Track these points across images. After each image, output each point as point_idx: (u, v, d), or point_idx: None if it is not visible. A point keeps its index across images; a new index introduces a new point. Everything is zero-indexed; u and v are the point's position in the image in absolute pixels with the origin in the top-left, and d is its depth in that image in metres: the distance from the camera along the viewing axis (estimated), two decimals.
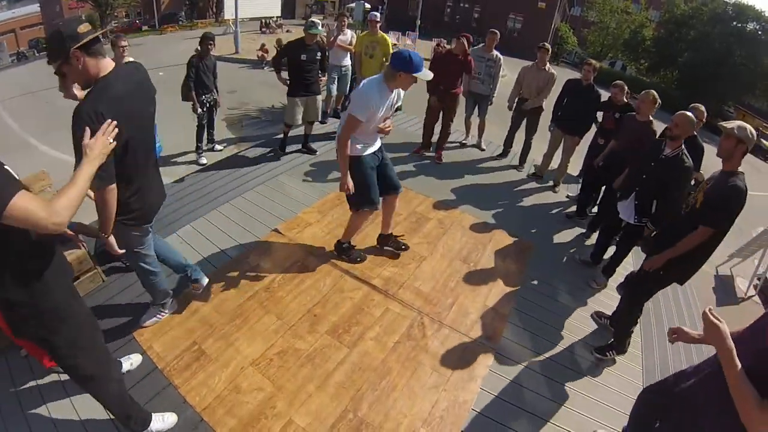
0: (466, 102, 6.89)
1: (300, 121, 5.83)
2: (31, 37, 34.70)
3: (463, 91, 6.69)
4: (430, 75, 3.25)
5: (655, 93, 4.45)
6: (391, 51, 6.58)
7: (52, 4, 36.99)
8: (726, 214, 2.74)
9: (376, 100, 3.25)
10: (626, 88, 5.22)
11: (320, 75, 5.89)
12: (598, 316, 3.94)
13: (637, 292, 3.41)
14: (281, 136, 6.13)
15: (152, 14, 39.22)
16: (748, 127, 2.64)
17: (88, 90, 2.11)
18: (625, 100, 5.24)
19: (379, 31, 6.56)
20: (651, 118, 4.51)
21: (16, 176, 1.61)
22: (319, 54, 5.61)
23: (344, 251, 4.05)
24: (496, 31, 6.53)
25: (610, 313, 3.88)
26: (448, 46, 6.03)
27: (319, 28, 5.44)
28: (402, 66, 3.14)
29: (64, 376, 2.65)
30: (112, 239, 2.43)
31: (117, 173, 2.18)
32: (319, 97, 5.87)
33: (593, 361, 3.49)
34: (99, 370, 2.08)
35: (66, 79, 2.15)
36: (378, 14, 6.70)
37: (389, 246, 4.25)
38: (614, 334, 3.57)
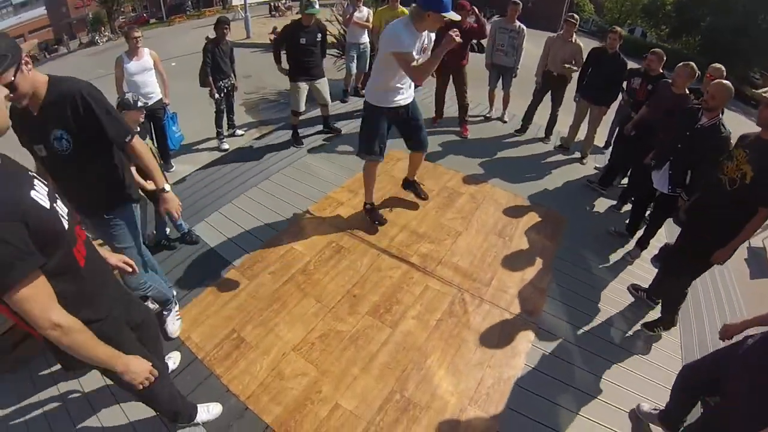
0: (489, 74, 6.70)
1: (303, 108, 5.61)
2: (40, 41, 34.93)
3: (486, 63, 6.53)
4: (457, 16, 3.20)
5: (693, 65, 4.19)
6: None
7: (58, 5, 37.14)
8: None
9: (406, 37, 3.17)
10: (665, 56, 4.84)
11: (323, 57, 5.57)
12: (634, 289, 3.84)
13: (684, 271, 3.27)
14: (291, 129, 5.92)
15: (159, 6, 39.18)
16: None
17: None
18: (660, 70, 4.88)
19: (399, 5, 6.34)
20: (687, 91, 4.27)
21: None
22: (319, 36, 5.32)
23: (367, 212, 4.17)
24: (519, 1, 6.26)
25: (645, 286, 3.77)
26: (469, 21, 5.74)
27: (317, 7, 5.14)
28: (430, 4, 3.05)
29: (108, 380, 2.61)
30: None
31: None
32: (324, 80, 5.63)
33: (634, 334, 3.41)
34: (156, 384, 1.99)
35: None
36: None
37: (410, 190, 4.52)
38: (662, 310, 3.46)
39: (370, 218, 4.14)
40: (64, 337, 1.37)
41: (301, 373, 2.78)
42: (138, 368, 1.67)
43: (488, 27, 5.91)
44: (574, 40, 5.80)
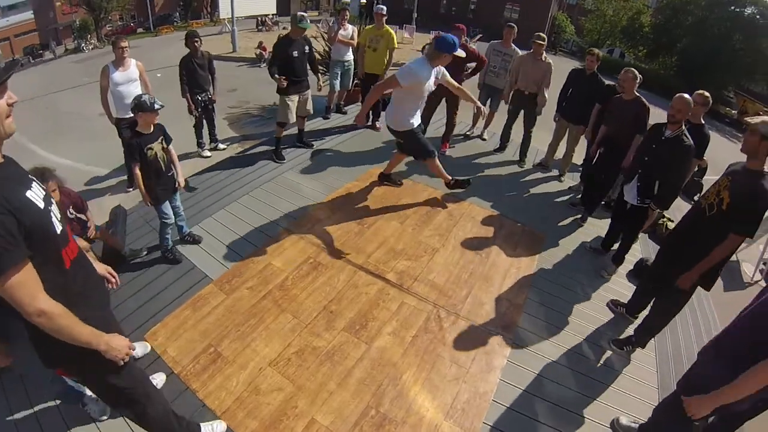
0: (479, 94, 6.78)
1: (292, 119, 5.67)
2: (26, 44, 34.57)
3: (478, 83, 6.66)
4: (463, 53, 4.35)
5: (634, 70, 4.49)
6: (396, 46, 6.51)
7: (46, 10, 36.89)
8: (757, 221, 2.66)
9: (425, 74, 4.11)
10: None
11: (309, 68, 5.62)
12: (614, 305, 3.91)
13: (666, 306, 3.29)
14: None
15: (146, 16, 39.08)
16: None
17: None
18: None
19: (385, 24, 6.43)
20: (637, 94, 4.51)
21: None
22: (306, 48, 5.42)
23: (387, 178, 5.19)
24: (513, 25, 6.36)
25: (624, 301, 3.87)
26: (464, 41, 5.84)
27: (308, 23, 5.28)
28: (448, 49, 4.02)
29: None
30: None
31: None
32: (309, 92, 5.73)
33: (609, 350, 3.47)
34: (141, 394, 2.03)
35: None
36: (384, 7, 6.47)
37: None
38: (638, 334, 3.48)
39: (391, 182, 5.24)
40: (50, 323, 1.47)
41: (278, 388, 2.79)
42: (119, 344, 1.74)
43: (473, 47, 6.02)
44: (544, 59, 5.91)
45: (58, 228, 1.57)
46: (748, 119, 2.65)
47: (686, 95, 3.54)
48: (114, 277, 2.14)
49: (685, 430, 2.37)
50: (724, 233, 2.76)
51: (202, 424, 2.46)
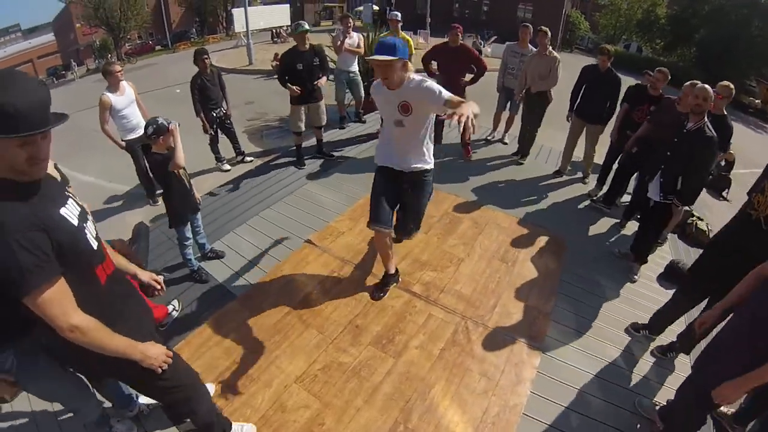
0: (498, 97, 6.76)
1: (303, 128, 5.70)
2: (48, 66, 35.53)
3: (497, 86, 6.62)
4: (377, 57, 2.72)
5: (702, 84, 4.13)
6: (414, 52, 6.47)
7: (67, 32, 37.99)
8: None
9: (376, 90, 3.06)
10: (668, 75, 4.75)
11: (321, 76, 5.55)
12: (633, 329, 3.59)
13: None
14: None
15: (164, 34, 39.93)
16: None
17: None
18: (660, 91, 4.80)
19: (401, 30, 6.37)
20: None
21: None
22: (316, 60, 5.38)
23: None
24: (529, 25, 6.30)
25: (646, 320, 3.61)
26: (482, 42, 5.83)
27: (305, 26, 5.25)
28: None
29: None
30: None
31: None
32: (322, 103, 5.74)
33: (644, 357, 3.36)
34: (192, 389, 2.08)
35: None
36: (398, 13, 6.44)
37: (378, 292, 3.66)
38: (680, 338, 3.31)
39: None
40: (83, 337, 1.48)
41: (304, 405, 2.75)
42: (155, 352, 1.75)
43: (488, 50, 5.98)
44: (549, 53, 5.81)
45: (94, 244, 1.60)
46: None
47: (707, 86, 3.43)
48: (159, 284, 2.16)
49: (702, 410, 2.29)
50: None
51: (234, 423, 2.49)
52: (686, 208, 3.93)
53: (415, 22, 26.89)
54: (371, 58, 2.79)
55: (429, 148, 3.18)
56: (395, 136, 3.10)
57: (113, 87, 4.92)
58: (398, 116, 2.97)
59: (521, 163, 6.39)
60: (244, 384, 2.87)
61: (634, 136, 4.75)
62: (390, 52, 2.69)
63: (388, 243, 3.41)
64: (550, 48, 5.87)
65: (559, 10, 34.04)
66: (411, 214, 3.46)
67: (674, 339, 3.39)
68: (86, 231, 1.58)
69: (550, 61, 5.79)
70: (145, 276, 2.10)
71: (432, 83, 2.82)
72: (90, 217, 1.67)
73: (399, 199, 3.34)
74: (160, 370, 1.78)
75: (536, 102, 6.04)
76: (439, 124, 6.41)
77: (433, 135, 3.21)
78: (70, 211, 1.53)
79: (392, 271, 3.64)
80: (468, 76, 5.96)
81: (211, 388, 2.83)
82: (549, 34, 5.80)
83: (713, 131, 3.40)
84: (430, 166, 3.22)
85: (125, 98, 4.99)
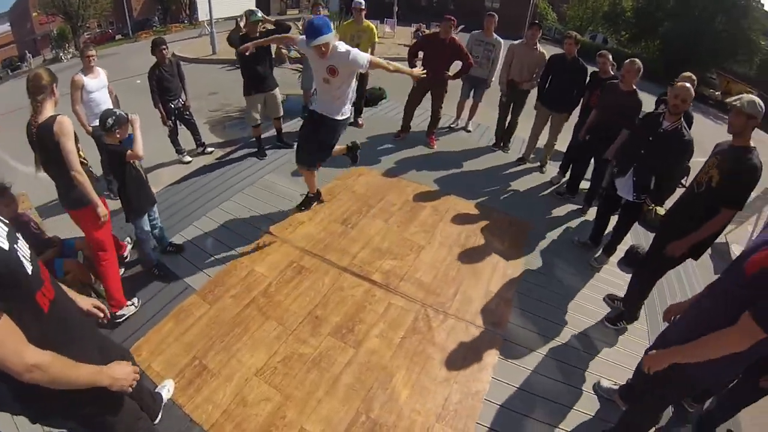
0: (462, 85, 6.76)
1: (260, 120, 5.62)
2: (4, 57, 34.04)
3: None
4: (319, 42, 3.37)
5: (639, 62, 4.33)
6: (378, 40, 6.42)
7: (23, 21, 36.38)
8: (747, 193, 2.73)
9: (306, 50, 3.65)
10: (611, 57, 5.03)
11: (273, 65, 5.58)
12: (610, 299, 3.85)
13: (650, 271, 3.38)
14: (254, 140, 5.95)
15: (125, 22, 38.63)
16: (756, 99, 2.58)
17: None
18: (611, 72, 5.06)
19: (365, 19, 6.31)
20: (635, 88, 4.41)
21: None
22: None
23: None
24: (494, 14, 6.29)
25: (618, 293, 3.83)
26: (427, 31, 5.81)
27: (259, 15, 5.18)
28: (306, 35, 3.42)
29: None
30: None
31: None
32: (277, 91, 5.66)
33: (604, 340, 3.43)
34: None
35: None
36: (362, 1, 6.27)
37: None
38: (624, 304, 3.55)
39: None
40: (44, 375, 1.30)
41: (265, 398, 2.72)
42: (122, 373, 1.63)
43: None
44: (538, 48, 5.84)
45: (29, 268, 1.36)
46: (730, 100, 2.65)
47: (688, 85, 3.35)
48: (102, 311, 1.95)
49: (660, 396, 2.34)
50: (715, 209, 2.82)
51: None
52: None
53: (382, 11, 26.75)
54: (314, 44, 3.36)
55: (347, 102, 3.93)
56: (323, 89, 3.84)
57: (86, 69, 4.83)
58: (326, 75, 3.68)
59: (506, 152, 6.58)
60: (205, 379, 2.82)
61: (586, 125, 4.83)
62: (324, 31, 3.35)
63: (311, 173, 4.34)
64: (539, 44, 5.90)
65: (528, 0, 34.31)
66: (324, 150, 4.15)
67: (623, 308, 3.54)
68: (19, 254, 1.34)
69: (540, 57, 5.82)
70: (86, 304, 1.89)
71: (358, 54, 3.56)
72: (20, 236, 1.42)
73: (316, 138, 4.05)
74: (130, 390, 1.67)
75: (522, 94, 6.13)
76: (409, 115, 6.40)
77: (355, 91, 4.06)
78: None
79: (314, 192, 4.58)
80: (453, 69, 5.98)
81: (172, 385, 2.78)
82: (542, 29, 5.81)
83: (689, 132, 3.42)
84: (344, 117, 3.97)
85: (98, 82, 4.88)
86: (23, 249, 1.38)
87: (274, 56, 5.25)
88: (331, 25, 3.48)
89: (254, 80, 5.40)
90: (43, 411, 1.60)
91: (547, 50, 5.89)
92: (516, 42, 6.04)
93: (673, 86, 3.45)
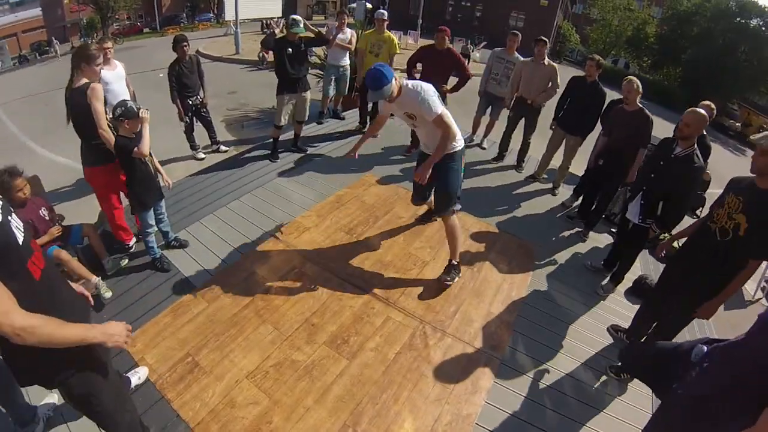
0: (479, 102, 6.76)
1: (284, 122, 5.63)
2: (33, 41, 34.67)
3: (479, 91, 6.62)
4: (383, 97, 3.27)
5: (635, 79, 4.36)
6: (398, 51, 6.46)
7: (54, 7, 37.08)
8: None
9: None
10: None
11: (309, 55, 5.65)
12: (614, 330, 3.73)
13: (666, 332, 3.20)
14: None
15: (153, 16, 39.28)
16: None
17: None
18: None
19: (386, 30, 6.38)
20: (640, 105, 4.38)
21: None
22: (303, 46, 5.42)
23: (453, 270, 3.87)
24: (517, 33, 6.31)
25: (625, 326, 3.70)
26: (450, 45, 5.78)
27: (301, 26, 5.25)
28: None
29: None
30: None
31: None
32: (308, 94, 5.70)
33: (604, 374, 3.33)
34: (115, 404, 1.96)
35: None
36: (385, 12, 6.40)
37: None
38: (628, 337, 3.45)
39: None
40: (32, 336, 1.36)
41: (253, 401, 2.70)
42: (116, 329, 1.67)
43: (476, 54, 5.97)
44: (546, 63, 5.81)
45: (20, 238, 1.48)
46: (754, 138, 2.55)
47: (700, 110, 3.31)
48: (87, 298, 2.02)
49: None
50: (741, 258, 2.65)
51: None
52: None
53: (407, 23, 26.94)
54: (375, 99, 3.30)
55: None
56: (415, 130, 3.81)
57: (104, 62, 4.88)
58: (406, 119, 3.56)
59: (520, 173, 6.47)
60: (196, 377, 2.82)
61: (594, 153, 4.79)
62: (381, 83, 3.13)
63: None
64: (547, 59, 5.87)
65: (552, 20, 34.36)
66: (438, 193, 3.72)
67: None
68: (11, 225, 1.47)
69: (550, 72, 5.79)
70: (75, 286, 1.97)
71: (426, 96, 3.23)
72: (12, 209, 1.54)
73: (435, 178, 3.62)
74: (125, 346, 1.71)
75: (532, 109, 6.06)
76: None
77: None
78: None
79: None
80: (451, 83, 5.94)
81: (144, 372, 2.80)
82: (548, 44, 5.80)
83: (701, 159, 3.34)
84: (452, 151, 3.54)
85: (115, 74, 4.94)
86: (15, 221, 1.51)
87: None
88: (391, 71, 3.19)
89: (289, 81, 5.43)
90: (29, 375, 1.68)
91: (569, 72, 5.85)
92: (524, 59, 6.03)
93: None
